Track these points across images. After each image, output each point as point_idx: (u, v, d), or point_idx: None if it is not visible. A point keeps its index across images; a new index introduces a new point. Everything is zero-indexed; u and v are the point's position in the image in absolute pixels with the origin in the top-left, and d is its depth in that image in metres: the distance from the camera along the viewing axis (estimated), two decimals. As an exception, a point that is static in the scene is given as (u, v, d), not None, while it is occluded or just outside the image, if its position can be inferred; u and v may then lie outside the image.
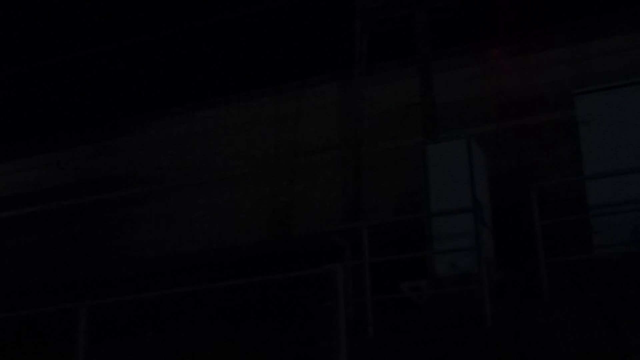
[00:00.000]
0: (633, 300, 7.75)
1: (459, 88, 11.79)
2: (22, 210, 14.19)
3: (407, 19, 11.30)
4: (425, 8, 11.07)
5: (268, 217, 12.27)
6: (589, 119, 9.30)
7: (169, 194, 13.15)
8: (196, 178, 13.01)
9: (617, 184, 8.84)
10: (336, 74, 12.55)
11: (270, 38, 13.44)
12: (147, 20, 14.10)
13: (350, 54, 11.85)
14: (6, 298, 13.21)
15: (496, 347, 7.84)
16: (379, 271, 8.94)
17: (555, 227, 8.76)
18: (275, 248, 11.87)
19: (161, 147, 13.48)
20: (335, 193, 11.84)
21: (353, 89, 11.88)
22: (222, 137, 13.06)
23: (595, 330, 7.73)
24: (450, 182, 9.47)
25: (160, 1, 13.89)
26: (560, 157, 10.70)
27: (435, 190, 9.50)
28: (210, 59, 13.81)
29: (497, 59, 11.77)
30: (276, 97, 12.91)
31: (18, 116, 15.25)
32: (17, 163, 14.63)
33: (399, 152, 11.68)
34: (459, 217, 9.11)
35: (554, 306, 8.03)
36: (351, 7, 11.71)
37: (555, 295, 8.24)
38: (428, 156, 9.69)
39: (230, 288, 9.31)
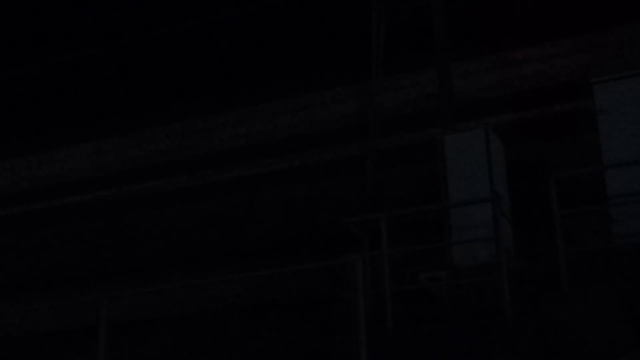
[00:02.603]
0: (653, 290, 7.73)
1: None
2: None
3: (424, 9, 11.26)
4: (442, -2, 11.05)
5: (288, 209, 12.30)
6: (608, 107, 9.23)
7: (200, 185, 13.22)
8: (222, 171, 13.06)
9: (637, 172, 8.79)
10: (353, 66, 12.53)
11: (285, 31, 13.43)
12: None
13: (367, 45, 11.83)
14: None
15: (516, 337, 7.84)
16: (399, 262, 8.95)
17: (575, 216, 8.72)
18: (294, 239, 11.89)
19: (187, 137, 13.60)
20: (354, 184, 11.85)
21: (370, 80, 11.86)
22: (244, 129, 13.13)
23: (616, 320, 7.70)
24: (469, 172, 9.45)
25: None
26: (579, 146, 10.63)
27: (454, 180, 9.49)
28: (231, 52, 13.81)
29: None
30: (294, 90, 12.91)
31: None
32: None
33: (418, 143, 11.66)
34: (477, 207, 9.10)
35: (573, 296, 8.00)
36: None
37: (574, 285, 8.22)
38: (446, 147, 9.68)
39: (250, 279, 9.35)
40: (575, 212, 8.70)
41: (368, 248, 9.86)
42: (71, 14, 14.75)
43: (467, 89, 11.72)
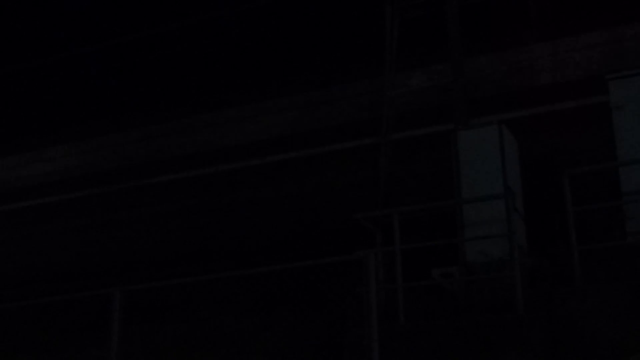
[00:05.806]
0: (667, 287, 7.70)
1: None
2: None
3: (438, 3, 11.23)
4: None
5: (300, 204, 12.31)
6: (623, 103, 9.19)
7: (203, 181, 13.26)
8: (232, 165, 13.08)
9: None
10: (366, 60, 12.52)
11: (299, 26, 13.43)
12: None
13: (380, 40, 11.79)
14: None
15: (528, 334, 7.83)
16: (411, 258, 8.95)
17: (588, 213, 8.69)
18: (307, 235, 11.91)
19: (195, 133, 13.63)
20: (366, 179, 11.84)
21: (383, 74, 11.83)
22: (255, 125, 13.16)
23: (629, 317, 7.68)
24: (482, 168, 9.43)
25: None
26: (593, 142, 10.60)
27: (467, 176, 9.46)
28: (243, 47, 13.82)
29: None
30: (306, 84, 12.92)
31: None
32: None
33: (431, 138, 11.65)
34: (490, 203, 9.08)
35: (586, 293, 7.98)
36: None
37: (587, 282, 8.20)
38: (459, 142, 9.65)
39: (262, 275, 9.38)
40: (588, 208, 8.67)
41: (380, 243, 9.86)
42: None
43: (480, 84, 11.69)
